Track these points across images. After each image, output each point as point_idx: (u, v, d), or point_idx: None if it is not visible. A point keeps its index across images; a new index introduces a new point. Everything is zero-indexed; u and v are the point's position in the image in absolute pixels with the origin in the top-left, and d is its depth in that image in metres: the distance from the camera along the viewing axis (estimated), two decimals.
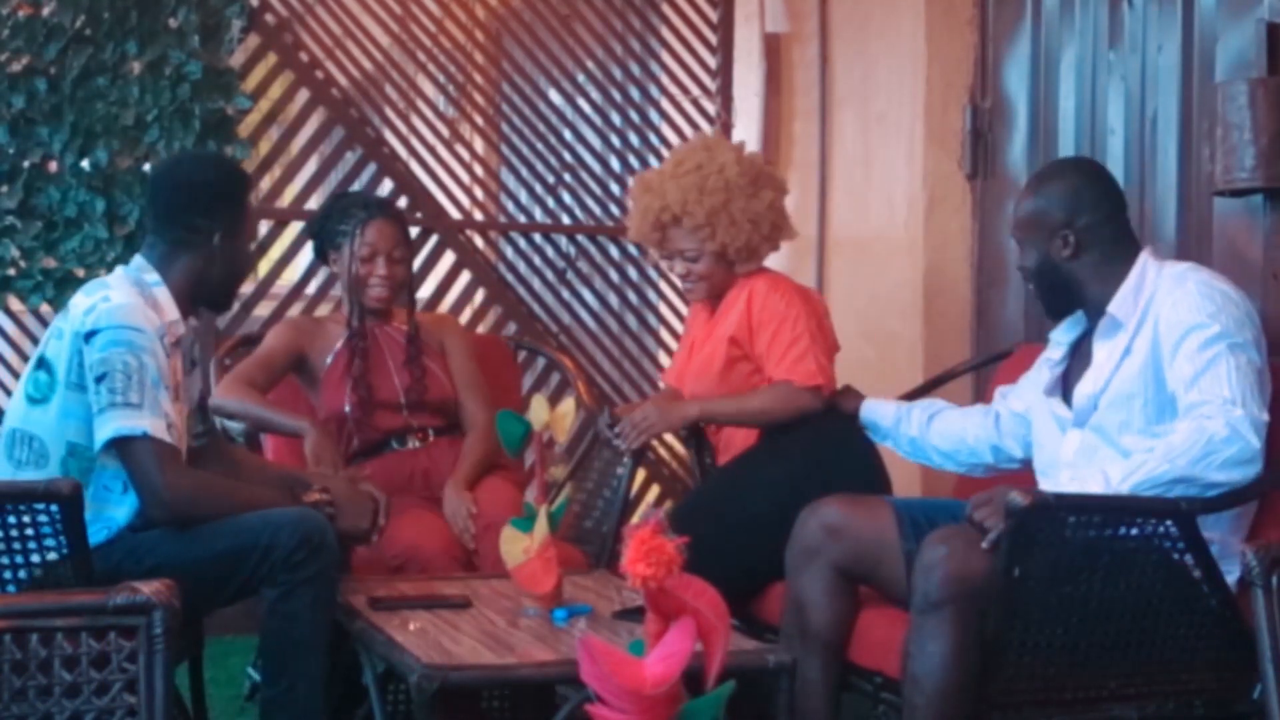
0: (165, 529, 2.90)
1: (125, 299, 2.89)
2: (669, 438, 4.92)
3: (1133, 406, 2.82)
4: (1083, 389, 2.92)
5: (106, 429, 2.82)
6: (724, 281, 3.68)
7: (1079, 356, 3.03)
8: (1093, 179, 3.03)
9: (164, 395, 2.86)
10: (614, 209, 4.99)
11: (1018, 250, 3.07)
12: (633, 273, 5.07)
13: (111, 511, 2.92)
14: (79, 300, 2.94)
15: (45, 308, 4.33)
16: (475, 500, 3.49)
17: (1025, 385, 3.21)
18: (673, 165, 3.71)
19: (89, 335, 2.85)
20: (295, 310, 4.66)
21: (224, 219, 3.04)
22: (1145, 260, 2.93)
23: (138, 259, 3.05)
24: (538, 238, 4.95)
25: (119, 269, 3.05)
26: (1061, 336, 3.08)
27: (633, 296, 5.05)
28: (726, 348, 3.60)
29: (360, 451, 3.68)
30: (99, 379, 2.83)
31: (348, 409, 3.65)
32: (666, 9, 5.07)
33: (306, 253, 4.79)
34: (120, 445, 2.83)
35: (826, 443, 3.44)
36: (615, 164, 5.05)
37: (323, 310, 4.62)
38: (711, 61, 5.07)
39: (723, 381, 3.61)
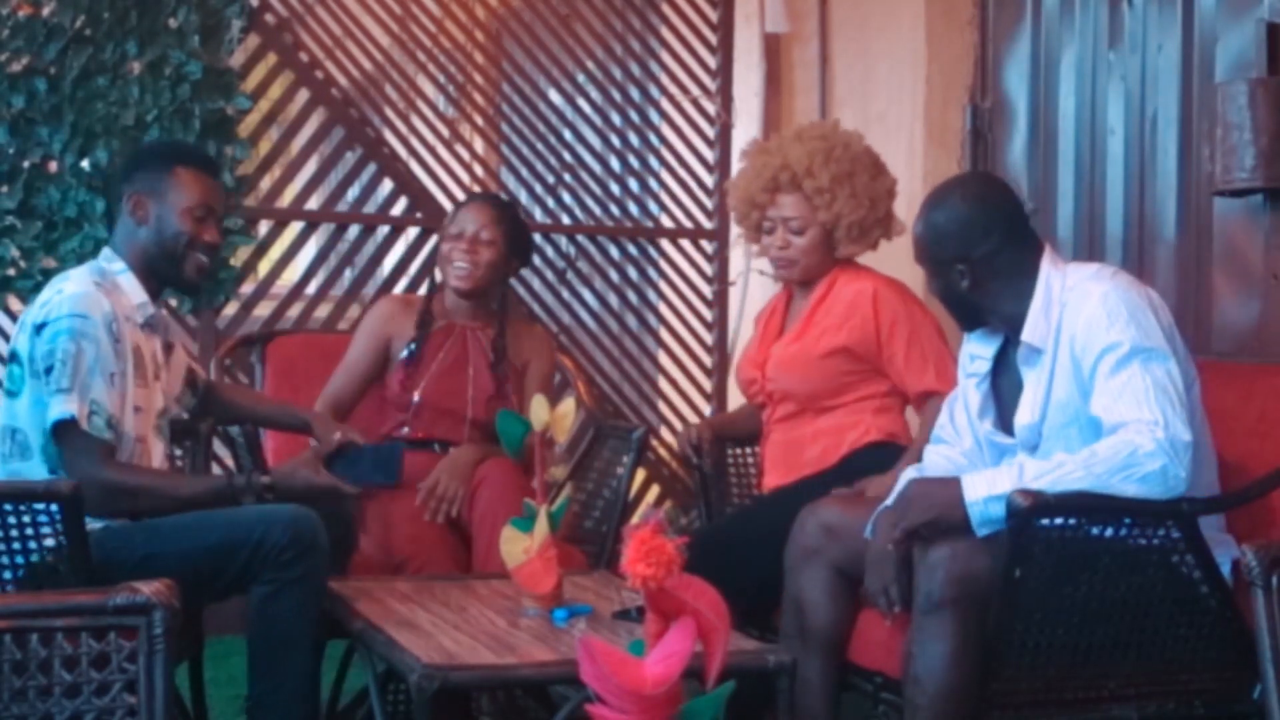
0: (160, 519, 2.93)
1: (77, 289, 2.94)
2: (670, 439, 4.93)
3: (1070, 434, 2.79)
4: (1021, 419, 2.86)
5: (47, 417, 2.87)
6: (819, 265, 3.52)
7: (1005, 372, 2.96)
8: (980, 203, 2.89)
9: (99, 381, 2.88)
10: (614, 209, 4.99)
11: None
12: (633, 273, 5.07)
13: None
14: (42, 294, 3.00)
15: None
16: (477, 492, 3.47)
17: (961, 417, 3.07)
18: (794, 133, 3.58)
19: (39, 327, 2.91)
20: (296, 310, 4.66)
21: (136, 186, 3.07)
22: (1047, 272, 2.83)
23: (105, 249, 3.10)
24: (538, 238, 4.94)
25: (89, 261, 3.10)
26: (981, 349, 2.99)
27: (633, 296, 5.04)
28: (833, 352, 3.45)
29: (407, 440, 3.65)
30: (47, 370, 2.88)
31: (416, 398, 3.65)
32: (666, 9, 5.07)
33: (307, 253, 4.80)
34: (56, 430, 2.87)
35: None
36: (615, 164, 5.05)
37: (322, 311, 4.64)
38: (711, 61, 5.07)
39: (815, 374, 3.47)
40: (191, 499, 2.98)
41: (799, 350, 3.52)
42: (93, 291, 2.93)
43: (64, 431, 2.87)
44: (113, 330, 2.91)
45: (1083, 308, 2.76)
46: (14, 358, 2.97)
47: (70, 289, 2.94)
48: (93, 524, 2.89)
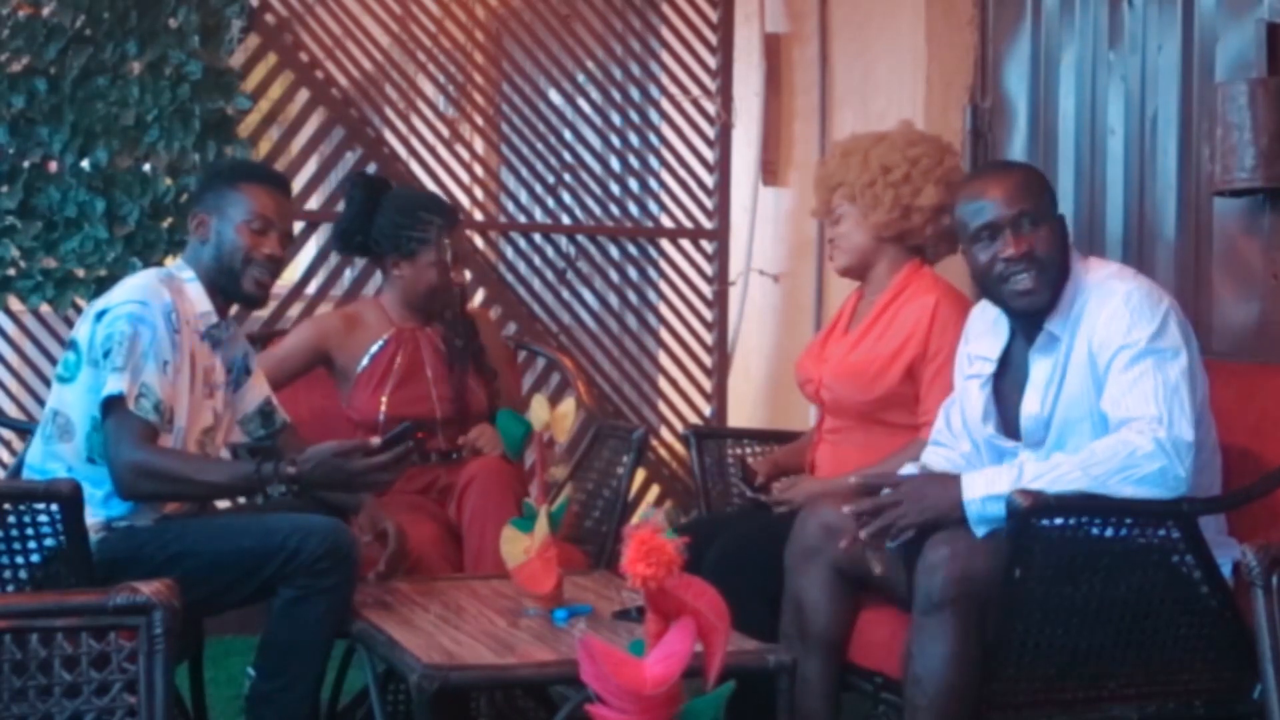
0: (195, 517, 2.99)
1: (140, 281, 3.03)
2: (670, 439, 4.94)
3: (1081, 430, 2.79)
4: (1028, 409, 2.85)
5: (101, 394, 2.91)
6: (861, 251, 3.41)
7: (1007, 373, 2.94)
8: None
9: (151, 366, 2.91)
10: (614, 209, 4.99)
11: (1014, 233, 2.79)
12: (633, 273, 5.07)
13: None
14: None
15: (45, 308, 4.34)
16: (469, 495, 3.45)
17: (958, 421, 3.04)
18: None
19: (101, 315, 2.97)
20: (295, 310, 4.66)
21: (203, 206, 3.14)
22: (1075, 264, 2.85)
23: (178, 260, 3.19)
24: (538, 238, 4.95)
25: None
26: (986, 348, 2.97)
27: (633, 296, 5.05)
28: (889, 371, 3.31)
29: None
30: (105, 354, 2.92)
31: (381, 419, 3.59)
32: (666, 9, 5.07)
33: (307, 253, 4.80)
34: (104, 406, 2.91)
35: None
36: (615, 164, 5.05)
37: (322, 311, 4.63)
38: (711, 61, 5.07)
39: (869, 388, 3.33)
40: (218, 484, 3.01)
41: (858, 361, 3.38)
42: (155, 285, 3.01)
43: (111, 408, 2.90)
44: (171, 321, 2.96)
45: (1105, 304, 2.78)
46: (72, 345, 3.02)
47: (134, 281, 3.04)
48: (120, 520, 2.95)
